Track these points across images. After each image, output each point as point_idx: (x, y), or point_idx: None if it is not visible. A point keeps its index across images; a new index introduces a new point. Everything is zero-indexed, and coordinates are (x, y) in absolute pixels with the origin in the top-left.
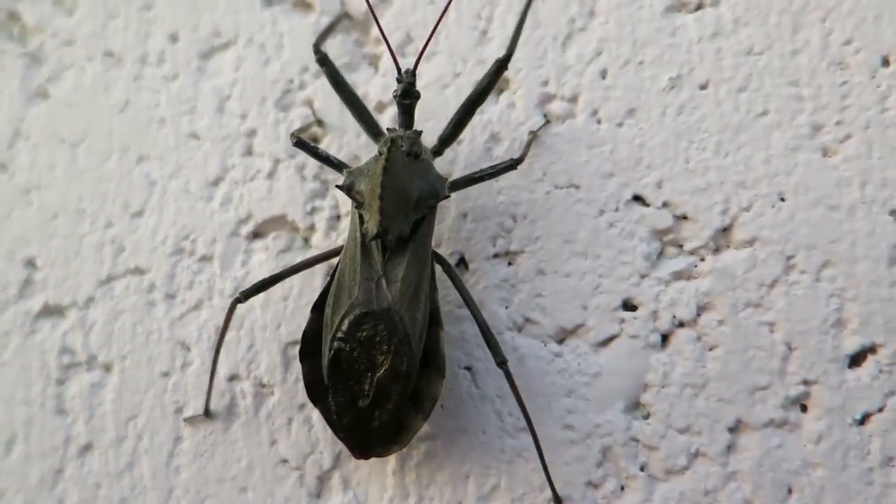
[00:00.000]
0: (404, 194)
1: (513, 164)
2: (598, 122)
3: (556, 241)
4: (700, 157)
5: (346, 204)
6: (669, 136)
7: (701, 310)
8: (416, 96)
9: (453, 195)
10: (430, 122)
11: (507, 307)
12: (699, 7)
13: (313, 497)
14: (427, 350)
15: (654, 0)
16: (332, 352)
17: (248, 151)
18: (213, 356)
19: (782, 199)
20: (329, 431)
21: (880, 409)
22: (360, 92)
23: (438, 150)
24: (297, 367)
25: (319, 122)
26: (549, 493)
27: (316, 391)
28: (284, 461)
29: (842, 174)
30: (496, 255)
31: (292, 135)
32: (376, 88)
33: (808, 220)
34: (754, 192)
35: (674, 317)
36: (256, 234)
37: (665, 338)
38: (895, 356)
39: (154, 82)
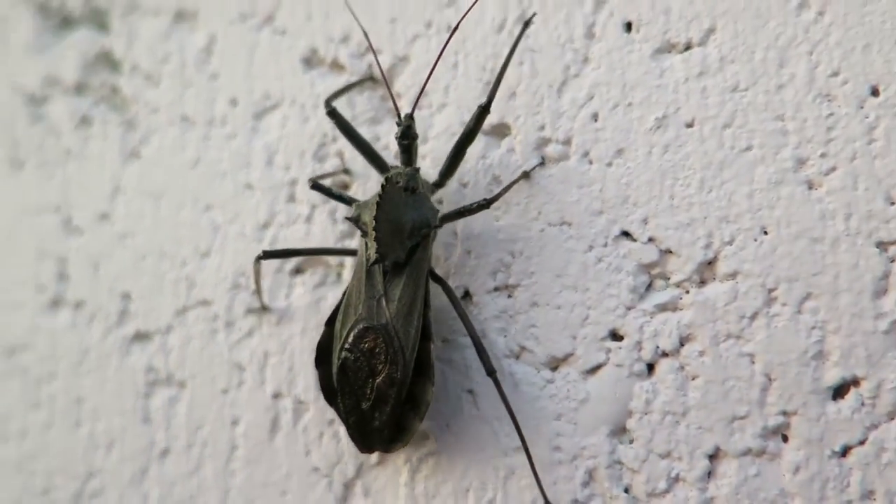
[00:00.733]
0: (399, 224)
1: (484, 205)
2: (590, 162)
3: (549, 276)
4: (684, 194)
5: None
6: (655, 174)
7: (683, 340)
8: (414, 137)
9: (459, 232)
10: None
11: (505, 336)
12: (688, 47)
13: (340, 501)
14: (420, 360)
15: (643, 44)
16: (340, 361)
17: (291, 199)
18: (258, 289)
19: (765, 233)
20: (350, 444)
21: (861, 443)
22: (383, 142)
23: (440, 183)
24: None
25: (346, 171)
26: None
27: (329, 394)
28: (316, 469)
29: (826, 206)
30: (496, 289)
31: (310, 180)
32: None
33: (790, 253)
34: (737, 226)
35: (657, 347)
36: (298, 271)
37: (650, 367)
38: (877, 389)
39: (218, 141)
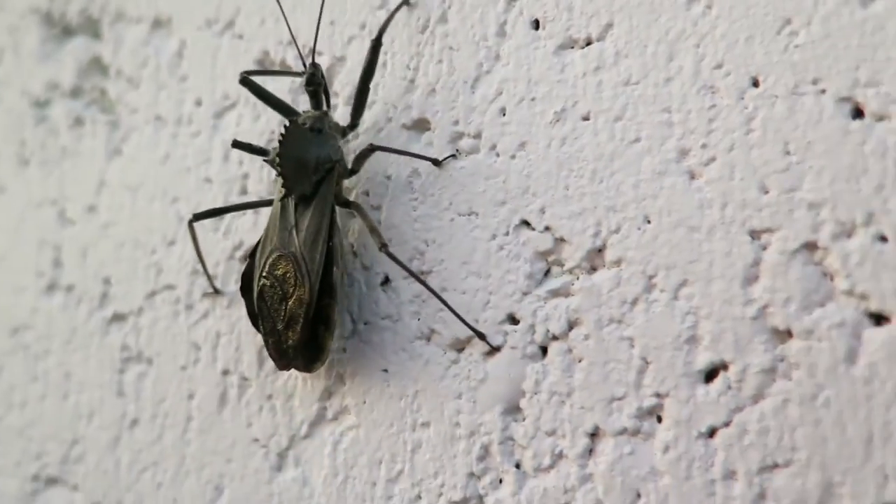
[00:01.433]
0: (303, 161)
1: (372, 149)
2: (497, 155)
3: (457, 263)
4: (578, 185)
5: None
6: (553, 165)
7: (572, 325)
8: (319, 83)
9: (383, 222)
10: (372, 159)
11: (418, 319)
12: (588, 43)
13: (274, 470)
14: (326, 283)
15: (548, 40)
16: (259, 287)
17: (244, 191)
18: (201, 263)
19: (648, 222)
20: (285, 417)
21: (726, 424)
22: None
23: (353, 124)
24: (269, 364)
25: None
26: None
27: (254, 318)
28: (256, 440)
29: (704, 196)
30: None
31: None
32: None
33: (669, 241)
34: (623, 215)
35: (548, 331)
36: (248, 257)
37: (543, 350)
38: (743, 373)
39: (185, 139)
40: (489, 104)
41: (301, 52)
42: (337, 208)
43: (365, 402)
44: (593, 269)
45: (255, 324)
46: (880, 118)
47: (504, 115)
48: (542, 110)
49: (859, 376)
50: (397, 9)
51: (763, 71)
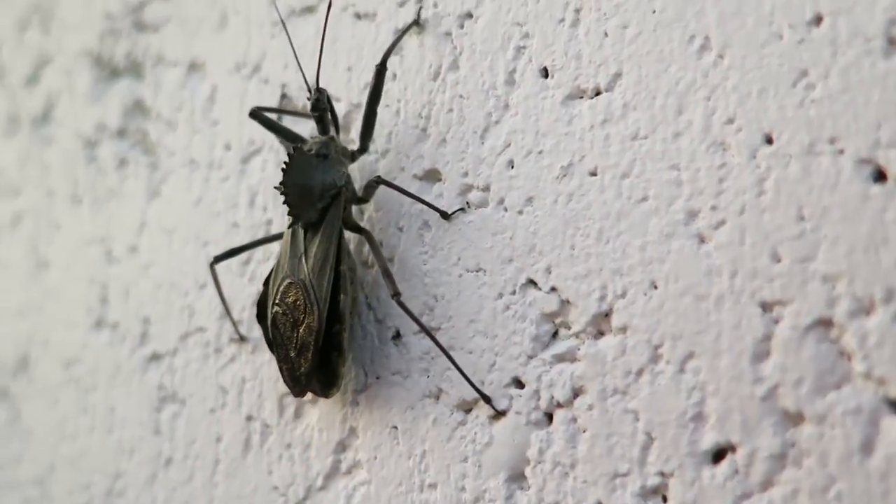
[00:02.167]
0: (308, 187)
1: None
2: (505, 209)
3: (465, 320)
4: (584, 244)
5: None
6: (559, 223)
7: (577, 392)
8: (324, 108)
9: (394, 274)
10: (383, 210)
11: (427, 377)
12: (597, 93)
13: None
14: (335, 311)
15: (556, 90)
16: (272, 315)
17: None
18: (224, 307)
19: (654, 287)
20: (302, 468)
21: None
22: None
23: (363, 148)
24: (289, 412)
25: None
26: None
27: (270, 345)
28: (276, 487)
29: (713, 262)
30: (420, 331)
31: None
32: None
33: (676, 309)
34: (629, 279)
35: (552, 397)
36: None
37: (549, 416)
38: (751, 458)
39: (215, 183)
40: (497, 156)
41: (306, 79)
42: (347, 234)
43: (376, 458)
44: (600, 334)
45: (272, 350)
46: None
47: (512, 167)
48: (549, 164)
49: (875, 469)
50: (402, 35)
51: (777, 127)
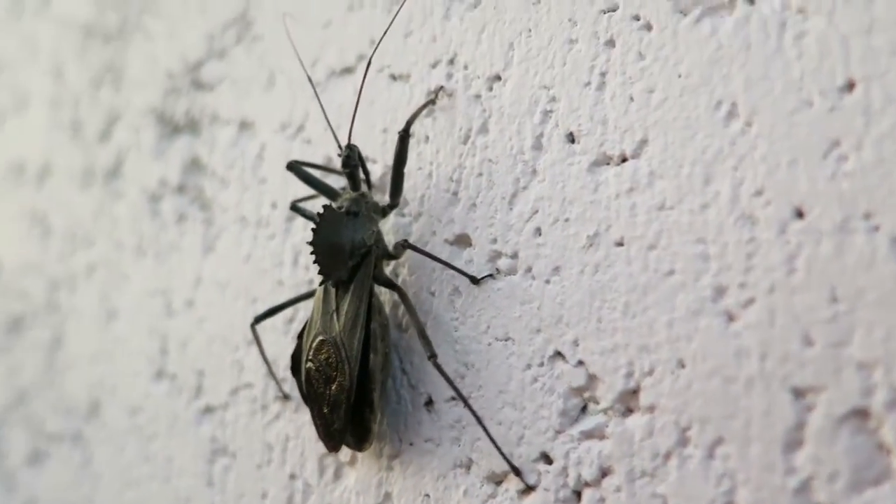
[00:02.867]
0: (338, 246)
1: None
2: (532, 278)
3: (494, 390)
4: (610, 318)
5: None
6: (585, 294)
7: (604, 472)
8: (355, 164)
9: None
10: (416, 274)
11: (458, 446)
12: (623, 160)
13: None
14: (365, 368)
15: (582, 156)
16: (305, 371)
17: (310, 296)
18: (267, 367)
19: (682, 367)
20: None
21: None
22: None
23: (393, 204)
24: (329, 473)
25: None
26: None
27: (306, 400)
28: None
29: (742, 343)
30: (453, 398)
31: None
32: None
33: (704, 390)
34: (656, 356)
35: (580, 476)
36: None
37: (577, 494)
38: None
39: (263, 241)
40: (525, 223)
41: (336, 136)
42: (381, 291)
43: None
44: (628, 412)
45: (306, 404)
46: None
47: (539, 234)
48: (575, 232)
49: None
50: (424, 105)
51: (807, 201)
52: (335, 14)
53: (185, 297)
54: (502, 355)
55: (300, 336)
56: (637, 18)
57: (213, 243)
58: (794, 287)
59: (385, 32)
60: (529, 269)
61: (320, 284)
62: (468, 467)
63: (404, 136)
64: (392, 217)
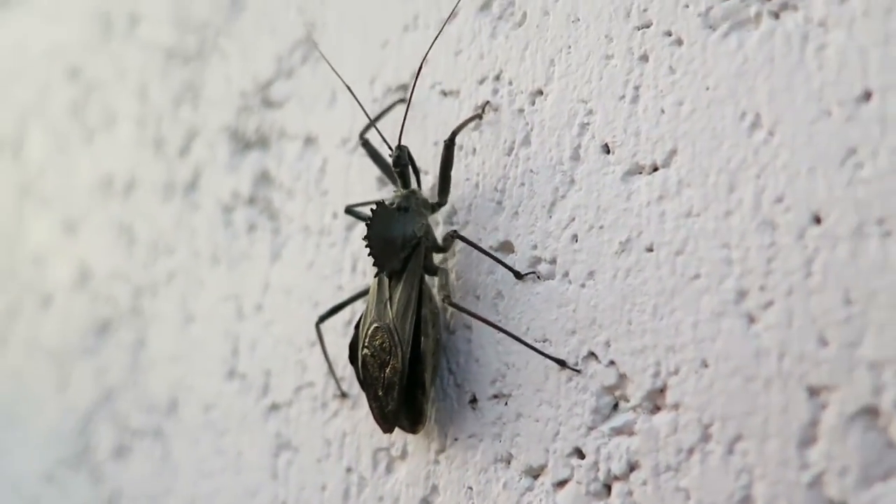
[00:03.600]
0: (390, 239)
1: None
2: (569, 282)
3: (532, 389)
4: (640, 320)
5: None
6: (617, 297)
7: (633, 466)
8: (405, 164)
9: (473, 340)
10: (462, 279)
11: (499, 441)
12: (654, 169)
13: None
14: (418, 352)
15: (617, 166)
16: (362, 357)
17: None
18: (328, 364)
19: (705, 366)
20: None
21: None
22: None
23: (441, 202)
24: (381, 466)
25: None
26: None
27: (363, 387)
28: None
29: (762, 344)
30: (494, 396)
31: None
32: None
33: (725, 389)
34: (682, 356)
35: (609, 470)
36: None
37: (607, 487)
38: None
39: (324, 249)
40: (563, 230)
41: (385, 138)
42: (428, 279)
43: None
44: (656, 409)
45: (363, 389)
46: None
47: (576, 241)
48: (609, 239)
49: None
50: (471, 119)
51: (825, 207)
52: (391, 35)
53: (255, 302)
54: (539, 356)
55: (357, 326)
56: (669, 34)
57: (280, 251)
58: (811, 290)
59: (430, 47)
60: (566, 274)
61: (375, 276)
62: (508, 462)
63: (450, 145)
64: (441, 221)
